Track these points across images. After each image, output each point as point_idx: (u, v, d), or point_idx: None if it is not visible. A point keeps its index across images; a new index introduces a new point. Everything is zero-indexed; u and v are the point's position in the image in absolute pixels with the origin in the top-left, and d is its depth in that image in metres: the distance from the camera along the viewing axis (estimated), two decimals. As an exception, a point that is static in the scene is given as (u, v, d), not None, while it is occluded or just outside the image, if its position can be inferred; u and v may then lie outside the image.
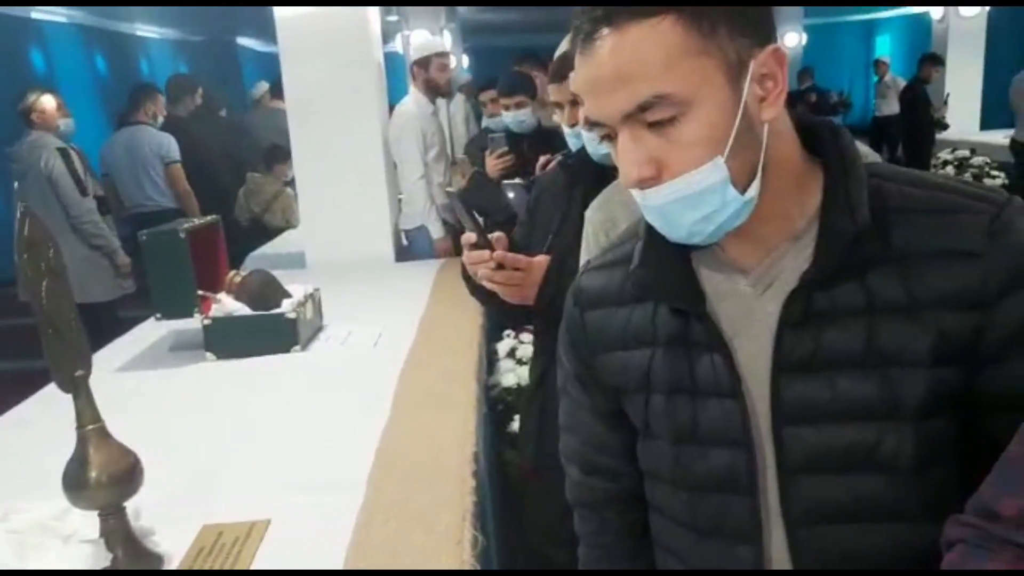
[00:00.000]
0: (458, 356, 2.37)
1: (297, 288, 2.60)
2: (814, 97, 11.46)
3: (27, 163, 4.30)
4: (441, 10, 9.68)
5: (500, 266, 1.61)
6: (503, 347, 2.91)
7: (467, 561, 1.31)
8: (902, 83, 10.15)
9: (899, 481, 0.84)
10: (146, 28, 11.24)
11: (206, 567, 1.31)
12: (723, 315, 0.90)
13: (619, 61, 0.79)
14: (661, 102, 0.79)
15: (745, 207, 0.83)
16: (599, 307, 1.01)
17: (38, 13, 8.59)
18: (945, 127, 9.21)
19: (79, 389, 1.20)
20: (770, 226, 0.87)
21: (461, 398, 2.03)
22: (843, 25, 17.24)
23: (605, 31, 0.79)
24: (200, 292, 2.38)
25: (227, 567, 1.31)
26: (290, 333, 2.44)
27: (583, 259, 1.46)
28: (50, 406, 1.90)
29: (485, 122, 4.53)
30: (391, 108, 4.14)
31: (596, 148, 1.66)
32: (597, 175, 1.64)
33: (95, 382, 1.21)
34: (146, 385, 2.30)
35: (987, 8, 9.91)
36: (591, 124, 0.86)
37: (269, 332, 2.43)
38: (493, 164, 3.48)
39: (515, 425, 2.47)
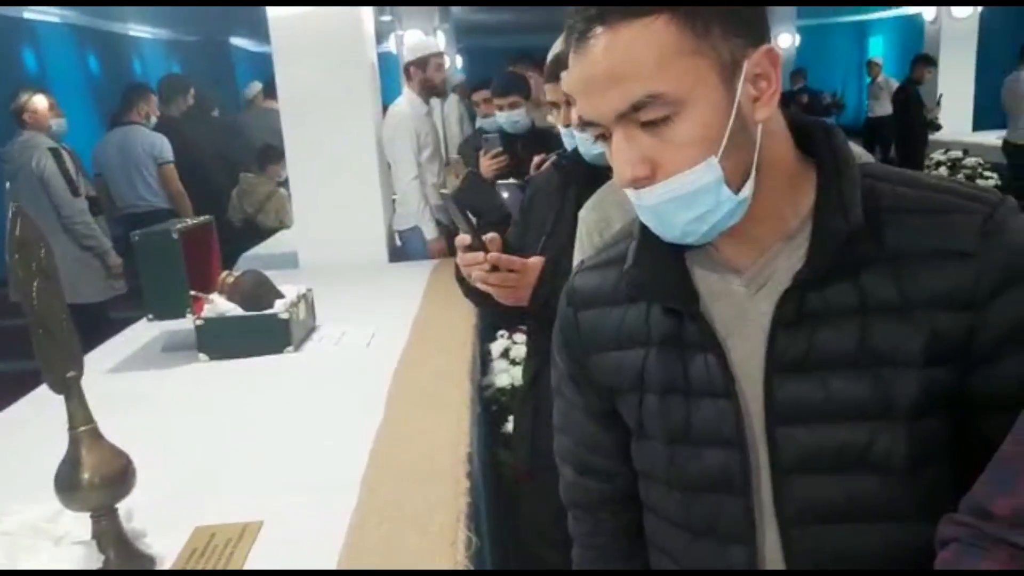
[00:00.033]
0: (452, 356, 2.37)
1: (290, 289, 2.60)
2: (806, 98, 11.49)
3: (19, 163, 4.28)
4: (435, 10, 9.67)
5: (494, 268, 1.60)
6: (497, 347, 2.90)
7: (461, 562, 1.31)
8: (895, 84, 10.17)
9: (892, 481, 0.84)
10: (139, 28, 11.22)
11: (199, 569, 1.31)
12: (717, 315, 0.90)
13: (613, 60, 0.79)
14: (655, 102, 0.78)
15: (739, 207, 0.83)
16: (593, 307, 1.00)
17: (30, 13, 8.56)
18: (938, 128, 9.23)
19: (71, 390, 1.19)
20: (764, 226, 0.87)
21: (455, 399, 2.02)
22: (836, 26, 17.29)
23: (599, 30, 0.79)
24: (193, 293, 2.38)
25: (220, 569, 1.30)
26: (283, 334, 2.43)
27: (577, 259, 1.46)
28: (42, 407, 1.90)
29: (479, 122, 4.53)
30: (385, 108, 4.13)
31: (588, 148, 1.66)
32: (591, 175, 1.64)
33: (87, 383, 1.21)
34: (138, 386, 2.29)
35: (979, 9, 9.94)
36: (585, 124, 0.86)
37: (262, 333, 2.43)
38: (487, 164, 3.48)
39: (509, 426, 2.46)
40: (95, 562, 1.23)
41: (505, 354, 2.88)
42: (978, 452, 0.80)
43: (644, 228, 0.91)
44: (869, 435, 0.84)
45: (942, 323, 0.81)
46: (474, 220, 1.68)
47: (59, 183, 4.23)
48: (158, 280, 2.35)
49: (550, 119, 2.05)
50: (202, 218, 2.65)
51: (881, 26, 16.97)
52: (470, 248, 1.62)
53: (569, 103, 1.72)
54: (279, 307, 2.46)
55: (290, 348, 2.44)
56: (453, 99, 6.49)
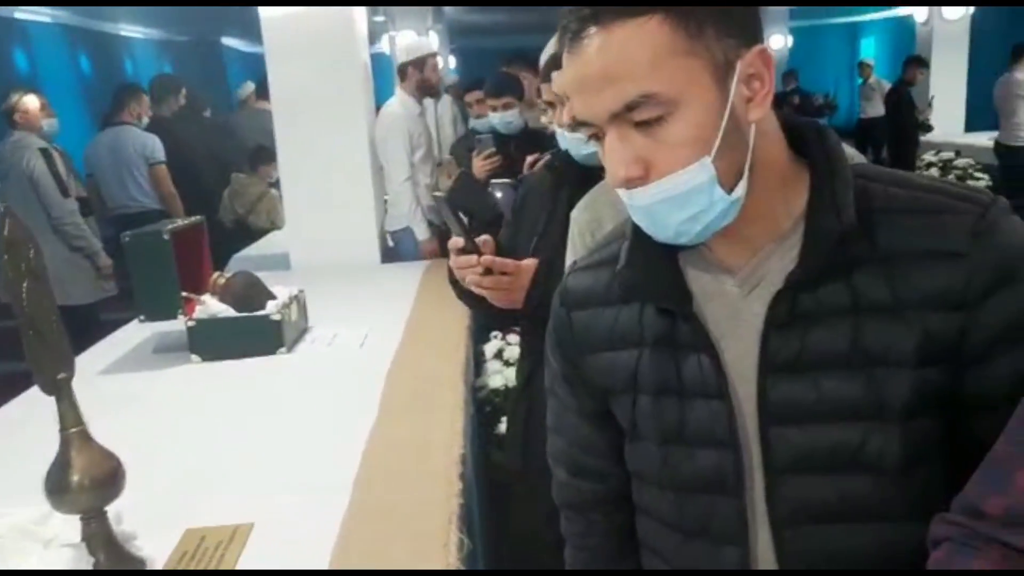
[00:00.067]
0: (445, 358, 2.36)
1: (282, 290, 2.59)
2: (797, 99, 11.52)
3: (9, 163, 4.26)
4: (428, 11, 9.67)
5: (488, 271, 1.60)
6: (490, 348, 2.90)
7: (453, 564, 1.31)
8: (887, 85, 10.21)
9: (885, 481, 0.84)
10: (130, 28, 11.18)
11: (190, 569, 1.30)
12: (710, 316, 0.90)
13: (606, 60, 0.79)
14: (648, 101, 0.78)
15: (732, 207, 0.83)
16: (586, 307, 1.00)
17: (22, 13, 8.53)
18: (929, 129, 9.26)
19: (61, 392, 1.18)
20: (756, 226, 0.87)
21: (448, 400, 2.02)
22: (828, 27, 17.33)
23: (592, 30, 0.79)
24: (184, 294, 2.37)
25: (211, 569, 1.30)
26: (275, 335, 2.43)
27: (569, 260, 1.45)
28: (32, 409, 1.89)
29: (471, 123, 4.53)
30: (377, 109, 4.13)
31: (578, 148, 1.66)
32: (582, 176, 1.64)
33: (78, 385, 1.20)
34: (130, 387, 2.28)
35: (971, 11, 9.98)
36: (578, 124, 0.86)
37: (254, 334, 2.42)
38: (480, 165, 3.48)
39: (502, 427, 2.47)
40: (85, 565, 1.22)
41: (498, 355, 2.88)
42: (970, 452, 0.80)
43: (637, 228, 0.91)
44: (862, 435, 0.84)
45: (934, 323, 0.81)
46: (466, 221, 1.68)
47: (49, 183, 4.21)
48: (149, 281, 2.34)
49: (544, 120, 2.05)
50: (193, 219, 2.64)
51: (873, 27, 17.03)
52: (463, 251, 1.61)
53: (563, 103, 1.72)
54: (271, 308, 2.45)
55: (282, 349, 2.44)
56: (447, 100, 6.50)
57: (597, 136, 0.85)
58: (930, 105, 9.31)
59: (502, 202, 3.17)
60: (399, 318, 2.76)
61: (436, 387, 2.11)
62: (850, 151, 1.20)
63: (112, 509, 1.25)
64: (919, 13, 10.59)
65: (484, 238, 1.65)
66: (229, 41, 13.78)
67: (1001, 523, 0.72)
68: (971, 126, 9.86)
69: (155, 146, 5.06)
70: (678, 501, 0.95)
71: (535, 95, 3.14)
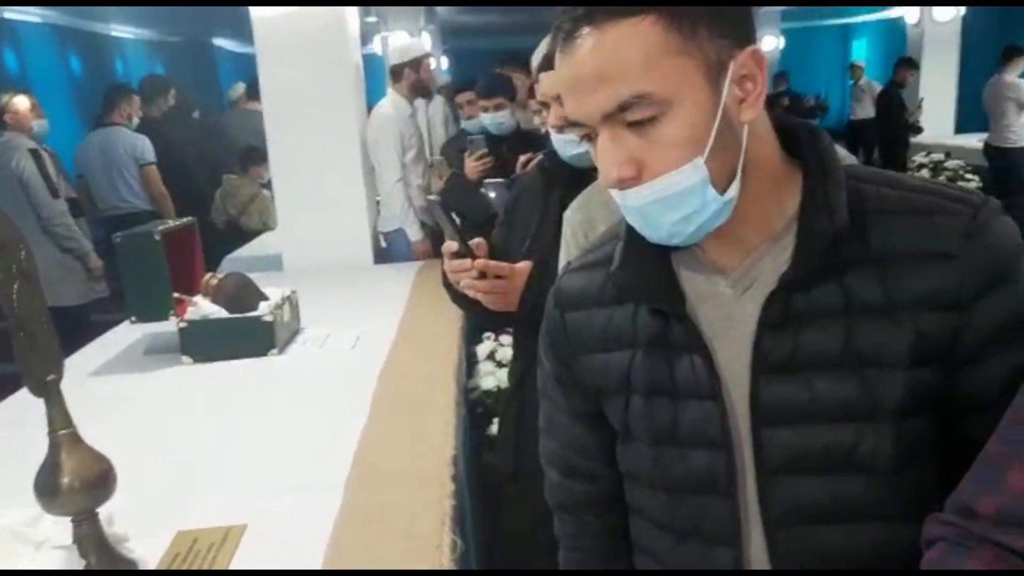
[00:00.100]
0: (437, 359, 2.36)
1: (274, 291, 2.58)
2: (787, 101, 11.54)
3: (-1, 164, 4.24)
4: (420, 11, 9.65)
5: (482, 275, 1.60)
6: (483, 350, 2.90)
7: (446, 565, 1.30)
8: (877, 87, 10.24)
9: (878, 482, 0.85)
10: (121, 28, 11.13)
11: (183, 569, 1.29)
12: (703, 316, 0.90)
13: (599, 60, 0.79)
14: (641, 102, 0.78)
15: (725, 208, 0.83)
16: (580, 308, 1.00)
17: (11, 13, 8.48)
18: (920, 131, 9.29)
19: (51, 394, 1.18)
20: (750, 227, 0.87)
21: (440, 401, 2.02)
22: (820, 29, 17.38)
23: (586, 30, 0.79)
24: (176, 295, 2.36)
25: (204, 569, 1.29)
26: (267, 336, 2.42)
27: (562, 261, 1.45)
28: (22, 411, 1.88)
29: (462, 124, 4.53)
30: (369, 110, 4.12)
31: (566, 149, 1.66)
32: (575, 177, 1.64)
33: (68, 386, 1.19)
34: (120, 389, 2.27)
35: (961, 13, 10.02)
36: (571, 124, 0.86)
37: (246, 335, 2.41)
38: (472, 166, 3.48)
39: (494, 428, 2.46)
40: (76, 566, 1.21)
41: (491, 356, 2.87)
42: (963, 452, 0.80)
43: (630, 229, 0.91)
44: (854, 436, 0.84)
45: (927, 324, 0.82)
46: (459, 222, 1.68)
47: (39, 184, 4.19)
48: (140, 282, 2.33)
49: (536, 121, 2.05)
50: (185, 220, 2.63)
51: (864, 29, 17.09)
52: (457, 255, 1.61)
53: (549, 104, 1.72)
54: (263, 309, 2.45)
55: (274, 351, 2.43)
56: (438, 100, 6.50)
57: (590, 136, 0.85)
58: (920, 107, 9.35)
59: (496, 201, 3.17)
60: (391, 319, 2.76)
61: (428, 388, 2.11)
62: (841, 152, 1.20)
63: (103, 511, 1.24)
64: (910, 15, 10.64)
65: (478, 241, 1.65)
66: (220, 42, 13.75)
67: (993, 523, 0.73)
68: (961, 128, 9.89)
69: (145, 147, 5.04)
70: (671, 502, 0.95)
71: (527, 96, 3.15)
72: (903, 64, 9.18)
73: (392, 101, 4.07)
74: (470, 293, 1.64)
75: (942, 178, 7.51)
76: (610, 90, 0.79)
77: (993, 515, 0.73)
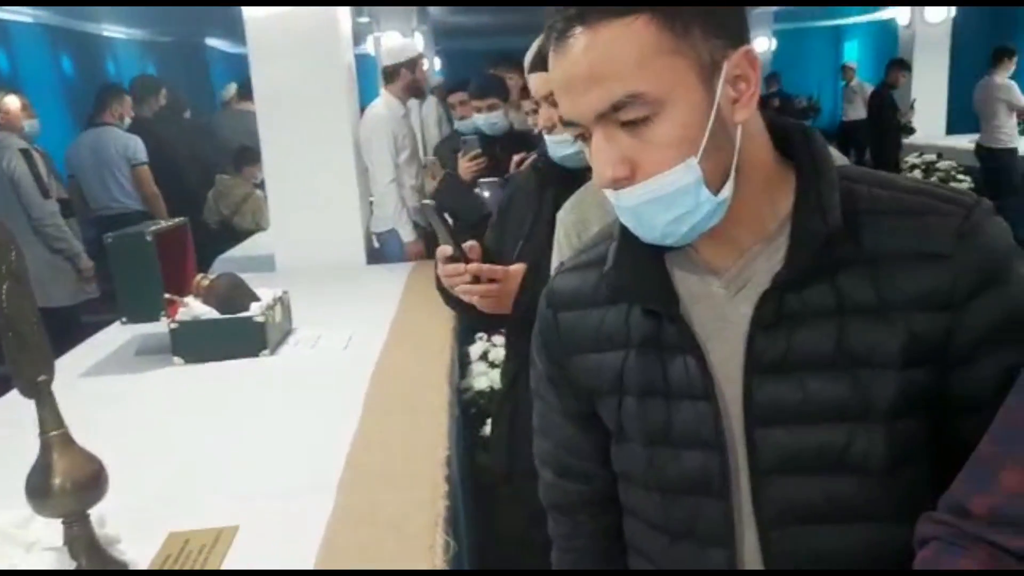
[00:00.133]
0: (430, 359, 2.36)
1: (266, 291, 2.58)
2: (777, 102, 11.55)
3: (-11, 164, 4.22)
4: (413, 12, 9.65)
5: (476, 279, 1.59)
6: (475, 350, 2.90)
7: (439, 566, 1.30)
8: (869, 88, 10.26)
9: (871, 482, 0.85)
10: (113, 28, 11.09)
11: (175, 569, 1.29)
12: (696, 317, 0.90)
13: (592, 60, 0.78)
14: (634, 101, 0.78)
15: (718, 208, 0.83)
16: (573, 308, 1.00)
17: (2, 13, 8.44)
18: (911, 131, 9.33)
19: (42, 395, 1.17)
20: (743, 228, 0.87)
21: (433, 402, 2.02)
22: (812, 30, 17.42)
23: (579, 30, 0.79)
24: (167, 295, 2.35)
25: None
26: (259, 337, 2.41)
27: (555, 261, 1.45)
28: (12, 412, 1.87)
29: (455, 124, 4.52)
30: (361, 110, 4.12)
31: (557, 150, 1.66)
32: (568, 177, 1.63)
33: (59, 387, 1.19)
34: (111, 390, 2.26)
35: (952, 14, 10.07)
36: (565, 123, 0.85)
37: (237, 336, 2.40)
38: (466, 167, 3.48)
39: (487, 429, 2.46)
40: (67, 568, 1.21)
41: (484, 357, 2.87)
42: (956, 452, 0.80)
43: (624, 230, 0.90)
44: (847, 436, 0.84)
45: (919, 324, 0.82)
46: (452, 223, 1.67)
47: (29, 185, 4.17)
48: (132, 283, 2.32)
49: (530, 121, 2.05)
50: (177, 220, 2.63)
51: (856, 31, 17.14)
52: (451, 259, 1.61)
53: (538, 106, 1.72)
54: (255, 310, 2.44)
55: (266, 351, 2.42)
56: (431, 101, 6.49)
57: (583, 136, 0.85)
58: (912, 108, 9.39)
59: (490, 200, 3.17)
60: (384, 320, 2.75)
61: (421, 389, 2.11)
62: (833, 153, 1.21)
63: (95, 512, 1.24)
64: (902, 16, 10.67)
65: (471, 244, 1.64)
66: (213, 42, 13.71)
67: (987, 522, 0.73)
68: (953, 128, 9.94)
69: (137, 147, 5.03)
70: (664, 502, 0.95)
71: (520, 96, 3.14)
72: (895, 65, 9.21)
73: (385, 101, 4.07)
74: (464, 297, 1.64)
75: (934, 179, 7.54)
76: (603, 90, 0.79)
77: (986, 515, 0.73)
